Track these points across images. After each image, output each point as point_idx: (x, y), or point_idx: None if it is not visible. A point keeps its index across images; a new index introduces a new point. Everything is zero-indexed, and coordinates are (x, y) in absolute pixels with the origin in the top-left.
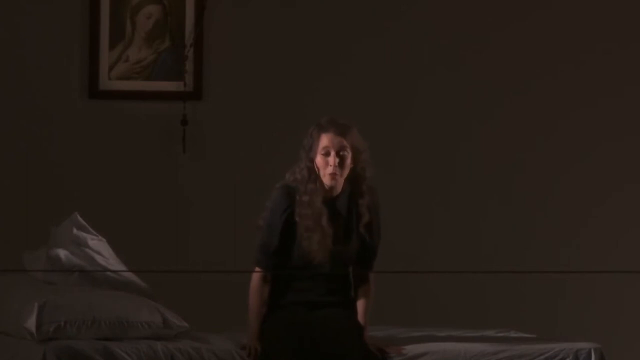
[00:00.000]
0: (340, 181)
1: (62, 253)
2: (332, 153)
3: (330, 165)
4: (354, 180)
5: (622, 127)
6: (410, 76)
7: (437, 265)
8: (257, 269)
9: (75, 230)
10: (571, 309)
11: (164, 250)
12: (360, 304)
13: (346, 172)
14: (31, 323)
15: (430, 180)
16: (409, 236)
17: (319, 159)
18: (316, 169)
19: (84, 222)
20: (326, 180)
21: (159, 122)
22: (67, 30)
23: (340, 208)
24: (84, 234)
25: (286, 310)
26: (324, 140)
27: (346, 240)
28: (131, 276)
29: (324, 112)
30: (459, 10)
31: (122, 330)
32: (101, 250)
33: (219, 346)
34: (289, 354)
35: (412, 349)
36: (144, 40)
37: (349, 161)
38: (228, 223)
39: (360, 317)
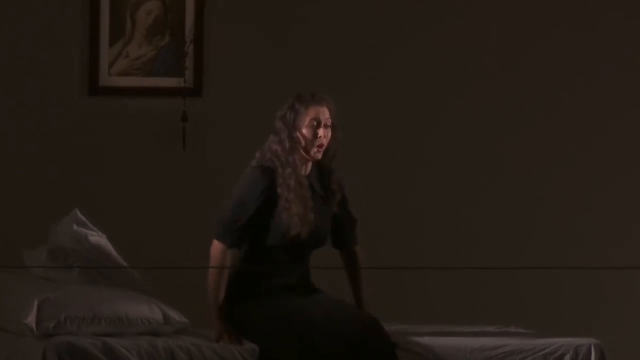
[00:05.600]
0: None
1: (62, 250)
2: (322, 125)
3: (321, 136)
4: (326, 156)
5: (622, 126)
6: (410, 76)
7: (436, 263)
8: (216, 242)
9: (75, 227)
10: (571, 305)
11: (164, 247)
12: (352, 279)
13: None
14: (31, 319)
15: (430, 179)
16: (406, 235)
17: (306, 131)
18: (301, 141)
19: (84, 219)
20: (312, 153)
21: (159, 119)
22: (67, 27)
23: (313, 184)
24: (84, 231)
25: (272, 299)
26: (312, 112)
27: (322, 216)
28: (131, 272)
29: None
30: (459, 10)
31: (122, 327)
32: (101, 247)
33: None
34: (288, 347)
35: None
36: (144, 37)
37: (330, 134)
38: None
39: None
